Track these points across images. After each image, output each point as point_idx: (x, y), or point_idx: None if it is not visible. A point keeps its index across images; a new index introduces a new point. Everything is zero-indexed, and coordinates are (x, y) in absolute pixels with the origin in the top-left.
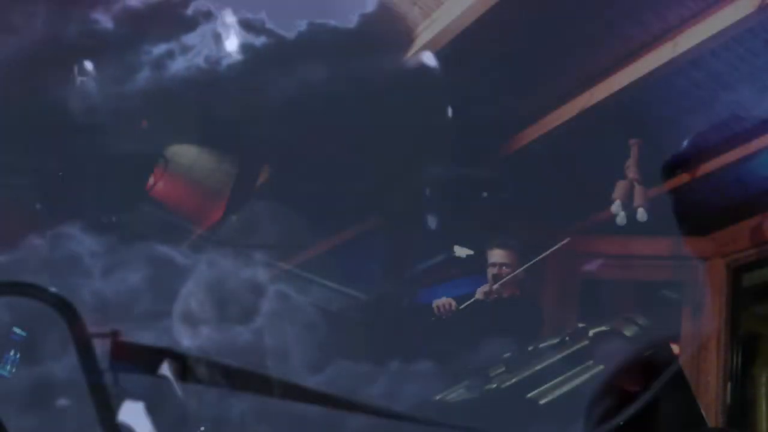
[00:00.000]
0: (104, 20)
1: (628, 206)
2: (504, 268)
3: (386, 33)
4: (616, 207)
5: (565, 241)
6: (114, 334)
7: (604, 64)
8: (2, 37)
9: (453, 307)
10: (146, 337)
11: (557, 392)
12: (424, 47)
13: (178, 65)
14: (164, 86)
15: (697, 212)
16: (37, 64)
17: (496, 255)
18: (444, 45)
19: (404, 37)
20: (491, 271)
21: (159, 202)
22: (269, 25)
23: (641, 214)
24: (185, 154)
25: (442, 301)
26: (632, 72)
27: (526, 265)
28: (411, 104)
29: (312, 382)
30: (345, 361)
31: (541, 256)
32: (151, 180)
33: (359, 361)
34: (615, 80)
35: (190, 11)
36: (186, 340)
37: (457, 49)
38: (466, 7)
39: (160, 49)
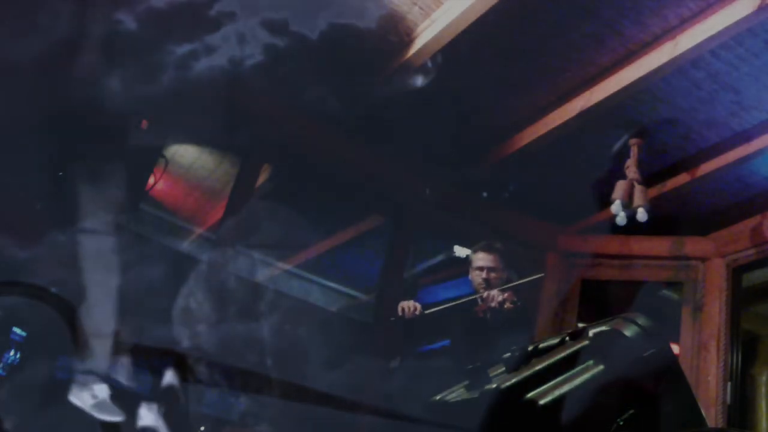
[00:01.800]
0: (128, 21)
1: (628, 206)
2: (491, 272)
3: (387, 34)
4: (616, 207)
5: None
6: (115, 335)
7: (604, 64)
8: (23, 36)
9: (417, 311)
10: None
11: (557, 392)
12: (424, 47)
13: (201, 66)
14: (187, 87)
15: (697, 212)
16: (58, 63)
17: (481, 259)
18: (444, 45)
19: (405, 37)
20: (479, 275)
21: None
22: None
23: (641, 214)
24: (188, 154)
25: (408, 304)
26: (632, 72)
27: (516, 283)
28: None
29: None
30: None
31: (524, 280)
32: (152, 180)
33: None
34: (615, 80)
35: (213, 12)
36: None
37: (457, 49)
38: (466, 7)
39: (183, 49)
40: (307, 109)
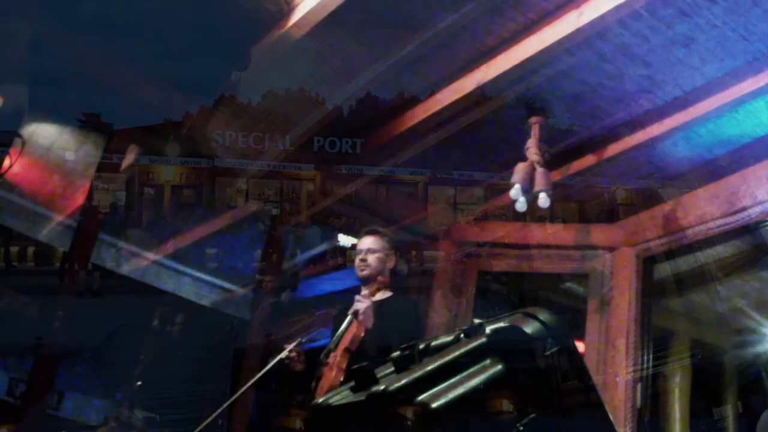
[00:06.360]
0: None
1: (529, 191)
2: (369, 254)
3: None
4: (515, 192)
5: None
6: None
7: (502, 35)
8: None
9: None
10: None
11: (451, 395)
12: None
13: None
14: None
15: (604, 197)
16: None
17: (362, 242)
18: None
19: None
20: (358, 258)
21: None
22: None
23: (543, 200)
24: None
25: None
26: (533, 44)
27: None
28: None
29: None
30: None
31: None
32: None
33: None
34: (513, 53)
35: None
36: None
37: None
38: None
39: None
40: None
